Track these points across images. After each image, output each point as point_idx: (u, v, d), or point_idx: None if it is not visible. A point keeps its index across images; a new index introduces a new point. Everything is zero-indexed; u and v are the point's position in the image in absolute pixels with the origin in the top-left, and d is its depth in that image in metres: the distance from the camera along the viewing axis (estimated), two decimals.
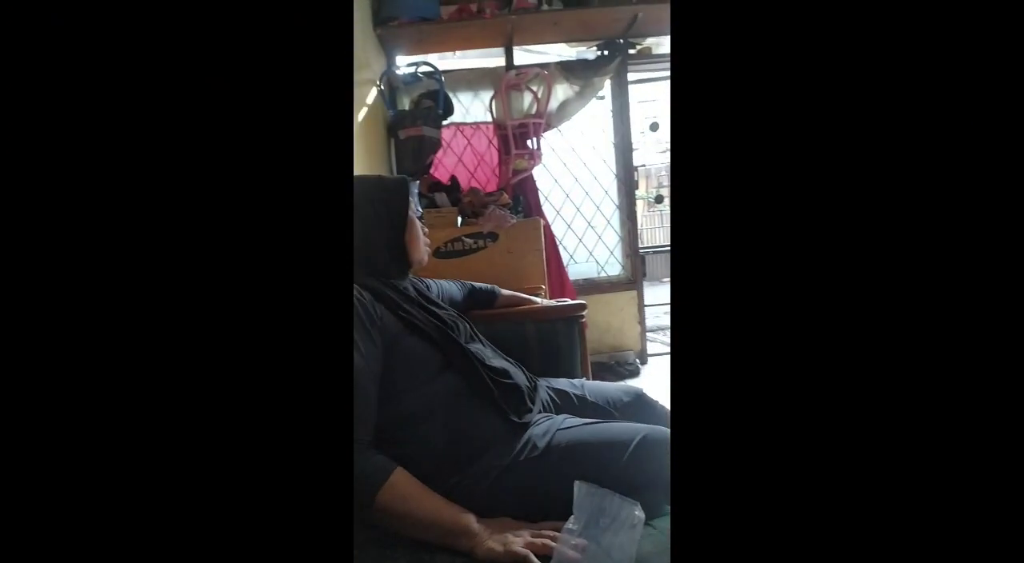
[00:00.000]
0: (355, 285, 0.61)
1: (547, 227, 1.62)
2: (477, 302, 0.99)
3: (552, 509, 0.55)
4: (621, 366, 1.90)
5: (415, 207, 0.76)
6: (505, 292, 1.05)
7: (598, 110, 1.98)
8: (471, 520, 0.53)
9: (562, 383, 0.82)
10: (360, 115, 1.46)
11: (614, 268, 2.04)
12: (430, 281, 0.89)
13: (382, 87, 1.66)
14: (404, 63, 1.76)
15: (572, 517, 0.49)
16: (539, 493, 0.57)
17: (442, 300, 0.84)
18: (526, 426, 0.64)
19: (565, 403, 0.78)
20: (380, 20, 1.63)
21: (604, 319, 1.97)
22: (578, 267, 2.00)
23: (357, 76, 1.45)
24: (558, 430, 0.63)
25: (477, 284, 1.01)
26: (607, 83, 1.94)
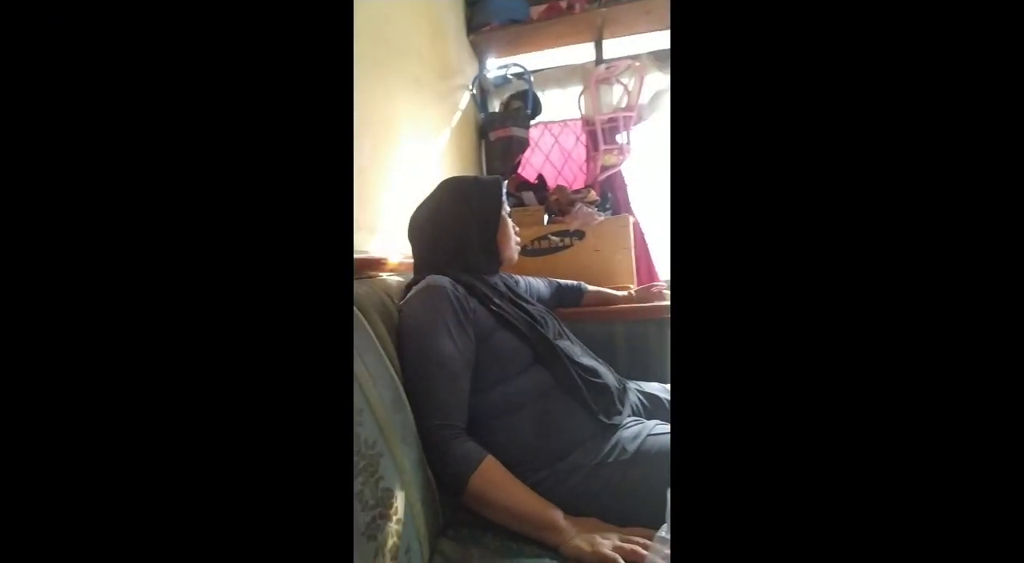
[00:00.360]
0: (449, 279, 0.65)
1: (637, 225, 1.56)
2: (564, 300, 0.99)
3: (638, 515, 0.53)
4: None
5: (506, 206, 0.78)
6: (592, 288, 1.03)
7: None
8: (558, 516, 0.53)
9: (654, 387, 0.79)
10: (454, 120, 1.53)
11: None
12: (518, 277, 0.91)
13: (474, 91, 1.72)
14: (495, 66, 1.82)
15: (665, 526, 0.46)
16: (626, 497, 0.55)
17: (530, 296, 0.85)
18: (615, 428, 0.62)
19: (656, 408, 0.74)
20: (473, 27, 1.70)
21: None
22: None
23: (451, 82, 1.52)
24: (649, 436, 0.60)
25: (563, 281, 1.01)
26: None
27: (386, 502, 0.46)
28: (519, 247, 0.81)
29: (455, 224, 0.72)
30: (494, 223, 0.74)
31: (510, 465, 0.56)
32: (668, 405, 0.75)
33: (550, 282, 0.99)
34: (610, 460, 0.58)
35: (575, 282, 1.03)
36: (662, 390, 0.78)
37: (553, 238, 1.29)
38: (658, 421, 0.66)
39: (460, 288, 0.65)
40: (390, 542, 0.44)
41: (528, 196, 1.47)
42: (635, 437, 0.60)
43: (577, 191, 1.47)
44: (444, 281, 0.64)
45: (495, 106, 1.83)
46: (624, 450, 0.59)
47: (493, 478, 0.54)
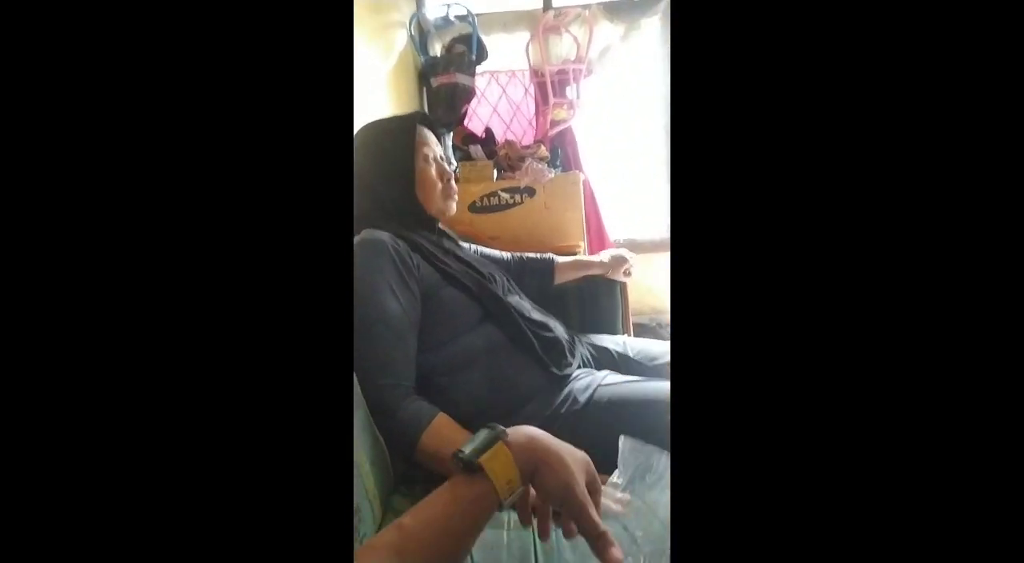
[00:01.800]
0: (390, 235, 0.59)
1: (587, 182, 1.54)
2: (523, 272, 0.88)
3: None
4: (663, 328, 1.85)
5: (436, 152, 0.70)
6: (562, 260, 0.89)
7: (646, 55, 1.82)
8: None
9: (604, 340, 0.80)
10: (390, 62, 1.40)
11: (659, 227, 1.94)
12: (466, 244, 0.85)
13: (412, 33, 1.58)
14: (435, 5, 1.66)
15: (616, 471, 0.47)
16: (579, 447, 0.56)
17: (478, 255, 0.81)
18: (566, 379, 0.62)
19: (606, 359, 0.75)
20: None
21: (646, 280, 1.89)
22: (620, 225, 1.91)
23: (385, 18, 1.38)
24: (599, 386, 0.61)
25: (528, 254, 0.91)
26: (657, 25, 1.77)
27: None
28: (455, 199, 0.72)
29: (364, 176, 0.64)
30: (406, 171, 0.65)
31: (463, 421, 0.55)
32: (617, 357, 0.76)
33: (512, 255, 0.89)
34: (563, 411, 0.58)
35: (545, 255, 0.90)
36: (612, 342, 0.79)
37: (503, 194, 1.25)
38: (608, 371, 0.66)
39: (402, 243, 0.60)
40: None
41: (476, 150, 1.40)
42: (586, 388, 0.60)
43: (527, 146, 1.42)
44: (383, 235, 0.59)
45: (436, 50, 1.69)
46: (576, 400, 0.59)
47: (445, 434, 0.52)
